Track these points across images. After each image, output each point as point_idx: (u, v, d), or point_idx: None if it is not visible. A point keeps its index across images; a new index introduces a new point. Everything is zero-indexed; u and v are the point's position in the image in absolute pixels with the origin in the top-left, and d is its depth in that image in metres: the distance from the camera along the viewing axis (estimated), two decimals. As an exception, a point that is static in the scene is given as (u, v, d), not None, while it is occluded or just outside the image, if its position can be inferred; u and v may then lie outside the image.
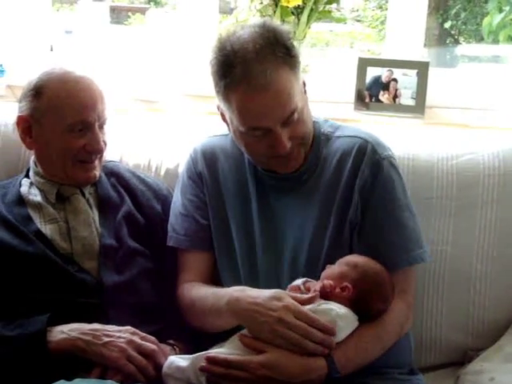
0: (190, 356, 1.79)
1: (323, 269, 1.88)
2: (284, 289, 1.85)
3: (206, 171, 2.10)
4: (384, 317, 1.86)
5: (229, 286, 1.93)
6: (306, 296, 1.78)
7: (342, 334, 1.76)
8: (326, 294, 1.80)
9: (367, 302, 1.81)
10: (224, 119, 1.98)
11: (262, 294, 1.79)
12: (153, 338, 1.88)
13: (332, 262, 1.88)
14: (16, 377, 1.80)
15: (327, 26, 3.87)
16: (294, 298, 1.76)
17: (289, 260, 1.96)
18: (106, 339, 1.82)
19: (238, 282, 1.96)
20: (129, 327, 1.87)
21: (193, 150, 2.17)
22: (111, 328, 1.86)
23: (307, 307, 1.75)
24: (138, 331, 1.87)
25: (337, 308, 1.76)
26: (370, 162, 1.95)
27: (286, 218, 1.99)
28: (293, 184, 2.00)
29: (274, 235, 2.00)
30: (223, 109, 1.92)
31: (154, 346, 1.86)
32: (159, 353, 1.86)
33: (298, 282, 1.85)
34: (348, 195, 1.94)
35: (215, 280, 2.07)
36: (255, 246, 2.00)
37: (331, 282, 1.80)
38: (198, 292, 2.01)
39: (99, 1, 4.00)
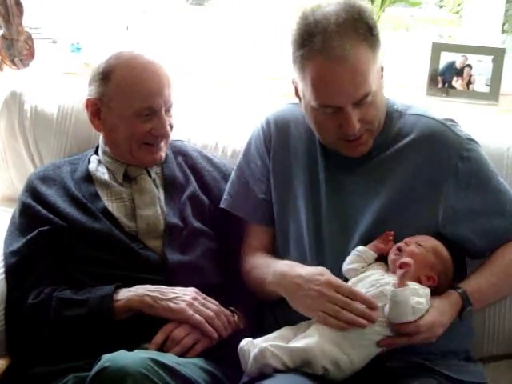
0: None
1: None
2: None
3: (277, 140, 2.09)
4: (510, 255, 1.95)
5: (293, 256, 1.97)
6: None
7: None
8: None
9: (437, 289, 1.83)
10: (297, 93, 1.97)
11: (307, 270, 1.83)
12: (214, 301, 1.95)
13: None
14: (84, 341, 1.87)
15: (408, 10, 3.82)
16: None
17: (356, 236, 1.93)
18: (173, 295, 1.90)
19: (302, 252, 1.97)
20: (192, 288, 1.94)
21: (265, 120, 2.16)
22: (176, 288, 1.93)
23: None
24: (200, 292, 1.94)
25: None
26: (456, 146, 1.93)
27: (355, 194, 1.97)
28: (362, 159, 1.97)
29: (342, 209, 1.97)
30: (297, 81, 1.91)
31: (217, 305, 1.94)
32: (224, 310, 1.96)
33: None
34: (435, 178, 1.91)
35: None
36: (321, 217, 1.98)
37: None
38: (255, 261, 2.06)
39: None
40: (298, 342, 1.75)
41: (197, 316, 1.87)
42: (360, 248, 1.87)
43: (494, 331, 2.17)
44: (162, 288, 1.91)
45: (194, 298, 1.91)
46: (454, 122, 2.01)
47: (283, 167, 2.07)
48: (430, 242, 1.87)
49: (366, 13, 1.84)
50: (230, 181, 2.18)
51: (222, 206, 2.14)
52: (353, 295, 1.74)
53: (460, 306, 1.83)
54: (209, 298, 1.94)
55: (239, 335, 1.91)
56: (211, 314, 1.90)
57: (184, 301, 1.89)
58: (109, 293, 1.89)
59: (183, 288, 1.93)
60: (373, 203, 1.93)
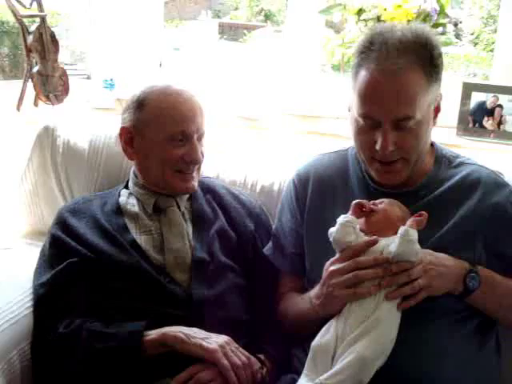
0: None
1: None
2: None
3: (311, 191, 2.08)
4: None
5: None
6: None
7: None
8: None
9: None
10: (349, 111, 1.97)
11: None
12: (246, 353, 1.94)
13: None
14: (110, 377, 1.87)
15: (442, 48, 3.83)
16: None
17: None
18: (206, 335, 1.90)
19: None
20: (226, 336, 1.93)
21: (296, 173, 2.16)
22: (210, 333, 1.92)
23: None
24: (233, 341, 1.92)
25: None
26: (506, 193, 1.93)
27: None
28: (409, 200, 1.94)
29: None
30: (351, 94, 1.91)
31: (247, 355, 1.92)
32: (253, 364, 1.93)
33: None
34: (482, 221, 1.90)
35: None
36: None
37: None
38: (287, 302, 2.08)
39: (217, 18, 4.09)
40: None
41: (225, 361, 1.86)
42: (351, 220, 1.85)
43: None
44: (196, 329, 1.92)
45: (227, 343, 1.90)
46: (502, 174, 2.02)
47: (320, 217, 2.04)
48: (389, 200, 1.89)
49: (432, 44, 1.85)
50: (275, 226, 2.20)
51: (265, 251, 2.17)
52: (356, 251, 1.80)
53: (466, 270, 1.83)
54: (241, 349, 1.93)
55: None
56: (239, 362, 1.88)
57: (217, 342, 1.89)
58: (138, 329, 1.89)
59: (217, 334, 1.92)
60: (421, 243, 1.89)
